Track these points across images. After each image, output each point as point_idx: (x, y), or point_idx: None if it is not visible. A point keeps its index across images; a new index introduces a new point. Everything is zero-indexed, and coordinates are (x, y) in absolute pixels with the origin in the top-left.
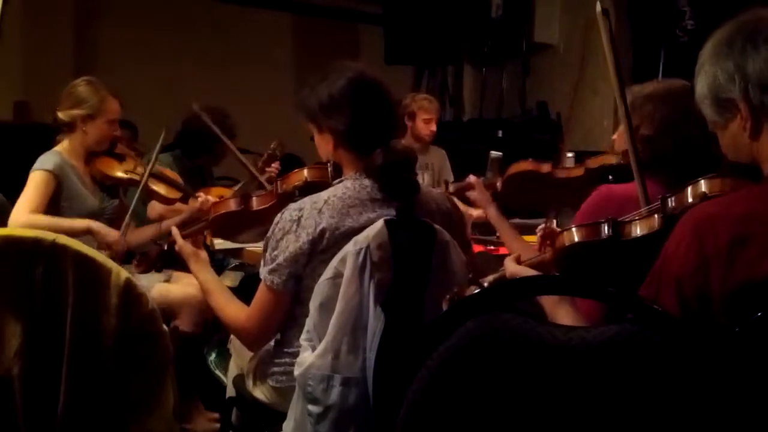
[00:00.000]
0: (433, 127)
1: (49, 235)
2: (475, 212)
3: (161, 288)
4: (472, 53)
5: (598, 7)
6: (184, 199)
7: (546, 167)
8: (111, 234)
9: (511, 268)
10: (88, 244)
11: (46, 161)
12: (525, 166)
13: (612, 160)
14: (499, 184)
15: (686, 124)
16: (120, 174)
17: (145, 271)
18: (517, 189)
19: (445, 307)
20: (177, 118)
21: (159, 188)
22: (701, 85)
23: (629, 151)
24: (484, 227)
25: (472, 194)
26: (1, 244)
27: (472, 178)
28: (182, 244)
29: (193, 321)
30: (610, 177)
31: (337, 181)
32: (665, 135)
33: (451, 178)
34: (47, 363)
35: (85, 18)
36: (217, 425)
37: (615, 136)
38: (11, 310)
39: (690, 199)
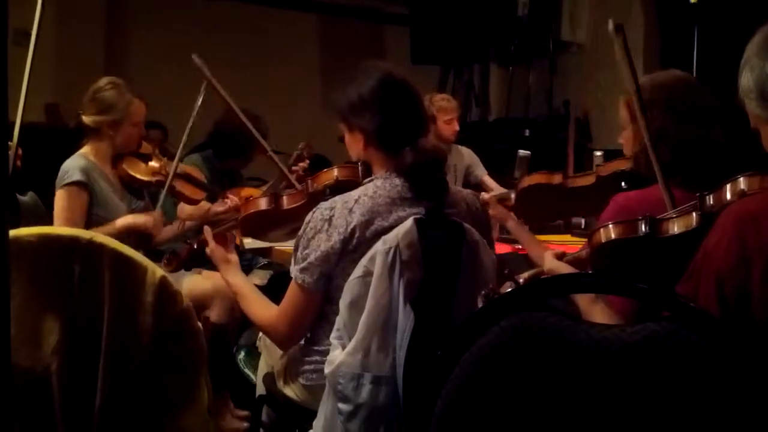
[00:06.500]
0: (456, 126)
1: (86, 234)
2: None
3: (192, 280)
4: (498, 52)
5: (611, 25)
6: (211, 199)
7: (557, 178)
8: (146, 219)
9: (549, 263)
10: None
11: (73, 171)
12: (536, 179)
13: (625, 165)
14: (512, 199)
15: (676, 125)
16: (147, 176)
17: (175, 270)
18: (531, 202)
19: (480, 303)
20: (207, 120)
21: (184, 189)
22: (747, 79)
23: (650, 155)
24: None
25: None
26: (40, 242)
27: (484, 196)
28: (213, 248)
29: (224, 312)
30: (623, 184)
31: (367, 180)
32: (660, 143)
33: (485, 173)
34: (84, 360)
35: (116, 21)
36: (246, 424)
37: (622, 140)
38: (49, 308)
39: (729, 197)
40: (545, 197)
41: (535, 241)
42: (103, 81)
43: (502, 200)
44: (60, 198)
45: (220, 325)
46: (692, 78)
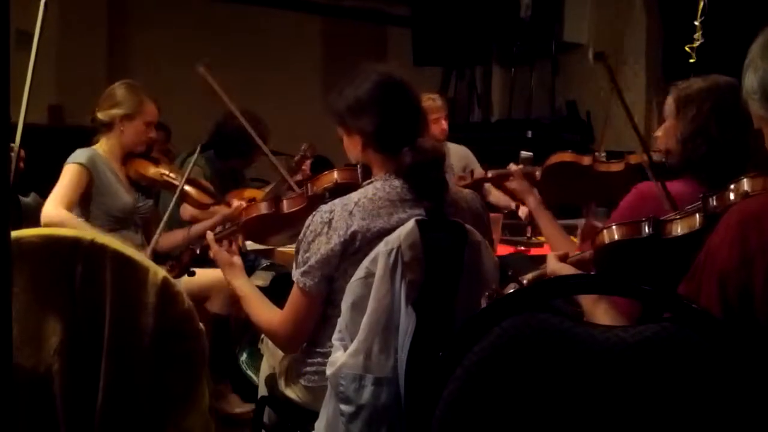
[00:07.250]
0: (444, 125)
1: (88, 235)
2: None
3: None
4: (500, 53)
5: (591, 54)
6: (216, 205)
7: (587, 160)
8: None
9: (552, 265)
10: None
11: (80, 155)
12: (566, 157)
13: (655, 156)
14: (538, 174)
15: (719, 124)
16: (156, 175)
17: (178, 276)
18: (556, 180)
19: (484, 304)
20: (209, 120)
21: (192, 192)
22: (750, 80)
23: (644, 158)
24: (515, 228)
25: (511, 184)
26: (41, 243)
27: (512, 167)
28: (217, 251)
29: (224, 303)
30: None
31: (366, 182)
32: (699, 138)
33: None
34: (86, 361)
35: (118, 23)
36: (250, 407)
37: (659, 133)
38: (51, 309)
39: (732, 198)
40: (571, 177)
41: (553, 223)
42: (119, 82)
43: (527, 174)
44: (62, 173)
45: (220, 315)
46: (738, 84)
